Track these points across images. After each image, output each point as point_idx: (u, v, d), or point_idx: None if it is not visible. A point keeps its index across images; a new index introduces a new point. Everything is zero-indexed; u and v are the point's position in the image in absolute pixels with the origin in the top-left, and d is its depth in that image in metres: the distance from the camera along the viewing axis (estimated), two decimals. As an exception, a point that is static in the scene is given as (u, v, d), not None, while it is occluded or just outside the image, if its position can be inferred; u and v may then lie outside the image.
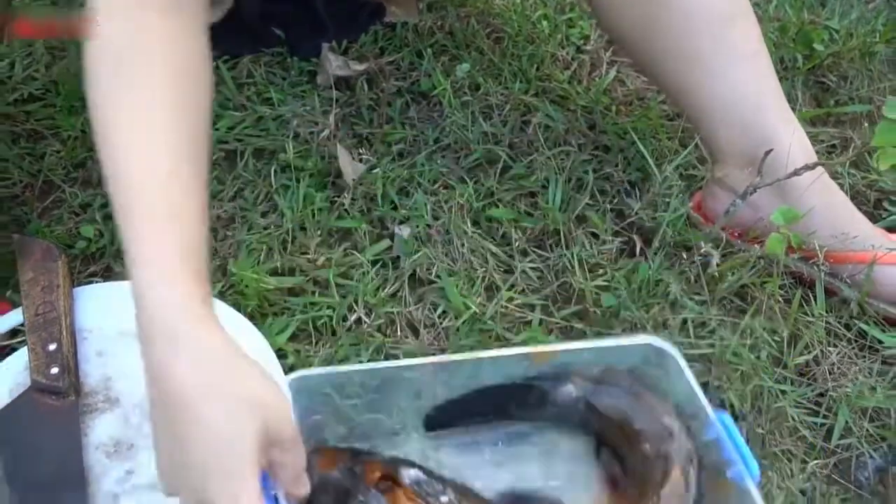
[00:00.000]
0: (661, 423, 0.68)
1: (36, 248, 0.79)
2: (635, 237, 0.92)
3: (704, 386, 0.76)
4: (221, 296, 0.81)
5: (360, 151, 1.00)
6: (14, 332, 0.77)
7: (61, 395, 0.70)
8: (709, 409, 0.66)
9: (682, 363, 0.69)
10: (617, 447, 0.71)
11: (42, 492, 0.67)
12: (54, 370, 0.71)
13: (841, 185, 0.94)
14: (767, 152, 0.82)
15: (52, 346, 0.72)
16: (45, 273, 0.77)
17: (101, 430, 0.71)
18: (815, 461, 0.77)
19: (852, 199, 0.92)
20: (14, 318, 0.77)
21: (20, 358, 0.74)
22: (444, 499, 0.64)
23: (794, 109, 0.90)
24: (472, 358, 0.68)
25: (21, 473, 0.67)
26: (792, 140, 0.85)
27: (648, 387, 0.70)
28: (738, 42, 0.87)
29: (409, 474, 0.65)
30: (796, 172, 0.82)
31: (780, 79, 0.91)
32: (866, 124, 1.11)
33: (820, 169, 0.84)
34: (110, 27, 0.64)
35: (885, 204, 1.01)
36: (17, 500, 0.66)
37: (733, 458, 0.64)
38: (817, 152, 0.89)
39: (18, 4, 1.18)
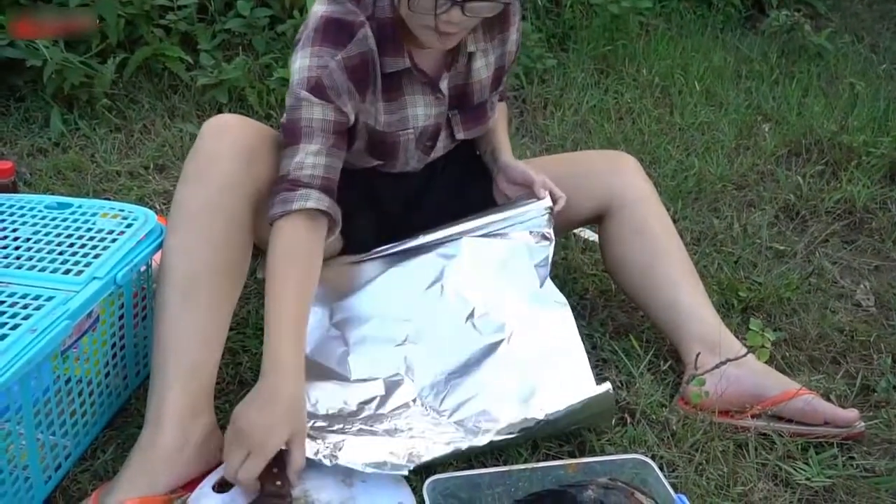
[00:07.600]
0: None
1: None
2: (626, 416, 1.42)
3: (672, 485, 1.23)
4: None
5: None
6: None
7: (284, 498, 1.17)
8: (674, 495, 1.13)
9: (658, 470, 1.16)
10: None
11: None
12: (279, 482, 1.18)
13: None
14: (697, 355, 1.34)
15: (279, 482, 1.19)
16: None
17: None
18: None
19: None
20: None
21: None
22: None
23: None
24: (532, 467, 1.16)
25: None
26: (725, 341, 1.39)
27: (637, 488, 1.17)
28: (693, 289, 1.44)
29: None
30: (722, 363, 1.33)
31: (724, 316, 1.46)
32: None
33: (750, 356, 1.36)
34: None
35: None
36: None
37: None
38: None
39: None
